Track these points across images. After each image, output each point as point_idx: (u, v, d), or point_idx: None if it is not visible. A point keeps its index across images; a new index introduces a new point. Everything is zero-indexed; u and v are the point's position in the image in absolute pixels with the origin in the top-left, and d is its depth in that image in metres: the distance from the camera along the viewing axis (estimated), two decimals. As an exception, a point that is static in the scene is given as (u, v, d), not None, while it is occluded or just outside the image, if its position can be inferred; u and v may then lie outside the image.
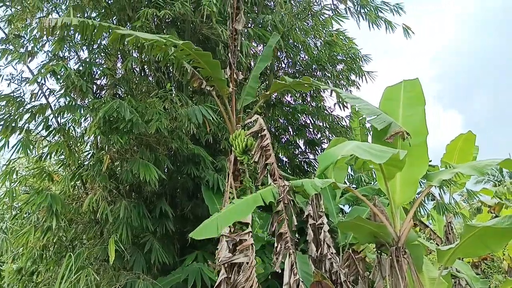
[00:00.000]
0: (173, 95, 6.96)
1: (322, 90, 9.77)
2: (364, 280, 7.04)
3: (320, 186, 4.11)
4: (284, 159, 9.98)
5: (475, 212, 11.95)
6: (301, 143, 10.21)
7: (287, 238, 4.13)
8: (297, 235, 8.18)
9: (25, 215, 6.71)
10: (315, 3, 9.64)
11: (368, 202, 4.29)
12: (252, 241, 4.36)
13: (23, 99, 6.59)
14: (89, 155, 7.14)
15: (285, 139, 10.26)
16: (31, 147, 6.31)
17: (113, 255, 4.90)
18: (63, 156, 6.87)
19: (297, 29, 9.11)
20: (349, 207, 8.39)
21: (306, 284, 5.37)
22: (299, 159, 10.17)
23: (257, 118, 5.37)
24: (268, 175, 4.74)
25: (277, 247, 4.17)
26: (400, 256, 4.10)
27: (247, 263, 4.14)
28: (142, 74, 7.77)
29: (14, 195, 6.10)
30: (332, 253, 7.16)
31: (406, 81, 4.83)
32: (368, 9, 9.09)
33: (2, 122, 6.28)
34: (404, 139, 3.77)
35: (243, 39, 7.44)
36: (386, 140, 3.78)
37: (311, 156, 10.19)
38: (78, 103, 6.53)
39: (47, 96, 6.70)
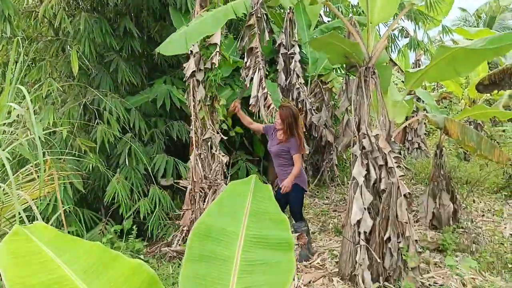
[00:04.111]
0: None
1: None
2: (328, 108, 7.33)
3: (297, -2, 3.83)
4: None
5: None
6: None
7: (258, 53, 4.02)
8: (266, 66, 8.15)
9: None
10: None
11: (344, 19, 4.10)
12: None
13: None
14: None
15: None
16: None
17: (76, 66, 4.71)
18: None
19: None
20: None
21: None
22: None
23: None
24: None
25: (247, 62, 4.07)
26: (368, 76, 4.11)
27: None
28: None
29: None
30: (300, 83, 7.27)
31: None
32: None
33: None
34: None
35: None
36: None
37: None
38: None
39: None
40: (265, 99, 3.90)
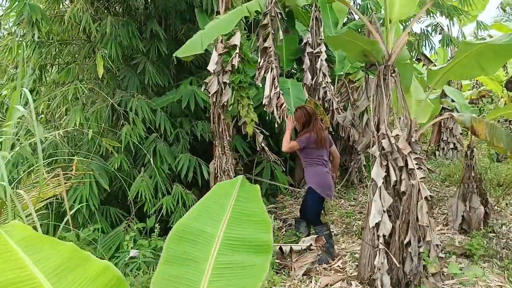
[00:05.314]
0: None
1: None
2: (353, 107, 7.15)
3: (312, -4, 3.77)
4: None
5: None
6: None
7: (271, 53, 3.98)
8: (294, 65, 8.08)
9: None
10: None
11: (362, 16, 3.99)
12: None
13: None
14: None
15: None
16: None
17: (101, 68, 4.86)
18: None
19: None
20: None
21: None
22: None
23: None
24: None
25: (260, 61, 4.05)
26: (388, 74, 3.98)
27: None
28: None
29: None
30: (327, 82, 7.15)
31: None
32: None
33: None
34: None
35: None
36: None
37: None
38: None
39: None
40: (278, 98, 3.86)
